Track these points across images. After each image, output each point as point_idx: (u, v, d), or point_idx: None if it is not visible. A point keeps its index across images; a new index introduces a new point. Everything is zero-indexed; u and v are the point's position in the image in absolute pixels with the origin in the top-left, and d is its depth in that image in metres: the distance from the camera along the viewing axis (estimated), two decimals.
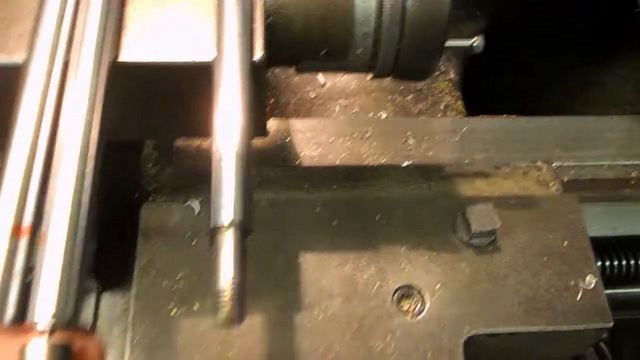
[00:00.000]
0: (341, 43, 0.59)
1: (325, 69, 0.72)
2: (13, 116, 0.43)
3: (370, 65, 0.62)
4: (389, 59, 0.60)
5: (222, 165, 0.42)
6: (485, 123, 0.87)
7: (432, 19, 0.57)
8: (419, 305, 0.65)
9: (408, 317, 0.64)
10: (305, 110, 1.01)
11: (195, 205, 0.67)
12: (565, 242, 0.70)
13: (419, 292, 0.65)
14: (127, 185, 0.71)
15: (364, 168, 0.77)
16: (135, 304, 0.62)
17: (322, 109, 1.02)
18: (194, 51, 0.52)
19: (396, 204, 0.70)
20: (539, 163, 0.80)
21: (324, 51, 0.60)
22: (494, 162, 0.80)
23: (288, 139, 0.81)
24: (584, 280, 0.67)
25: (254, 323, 0.62)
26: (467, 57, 1.14)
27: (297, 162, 0.78)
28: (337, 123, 0.85)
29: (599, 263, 0.83)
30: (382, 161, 0.79)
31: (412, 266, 0.66)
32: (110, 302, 0.67)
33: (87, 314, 0.65)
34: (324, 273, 0.65)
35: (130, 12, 0.53)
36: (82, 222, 0.35)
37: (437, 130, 0.85)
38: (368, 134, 0.84)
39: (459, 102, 1.09)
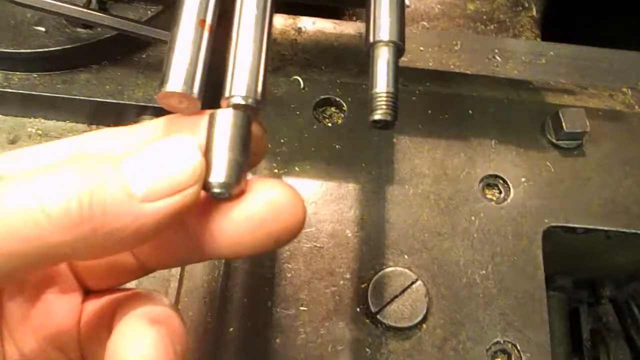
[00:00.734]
0: None
1: None
2: None
3: None
4: None
5: None
6: (572, 50, 0.88)
7: None
8: (503, 194, 0.68)
9: (492, 203, 0.67)
10: None
11: (301, 81, 0.71)
12: None
13: (505, 182, 0.68)
14: None
15: (454, 73, 0.80)
16: None
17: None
18: None
19: (488, 103, 0.73)
20: (624, 89, 0.82)
21: None
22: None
23: None
24: None
25: (349, 190, 0.66)
26: None
27: None
28: (425, 33, 0.87)
29: None
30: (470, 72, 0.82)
31: (500, 159, 0.70)
32: None
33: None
34: (416, 154, 0.69)
35: None
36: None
37: (523, 51, 0.87)
38: (457, 47, 0.86)
39: (538, 41, 1.10)
